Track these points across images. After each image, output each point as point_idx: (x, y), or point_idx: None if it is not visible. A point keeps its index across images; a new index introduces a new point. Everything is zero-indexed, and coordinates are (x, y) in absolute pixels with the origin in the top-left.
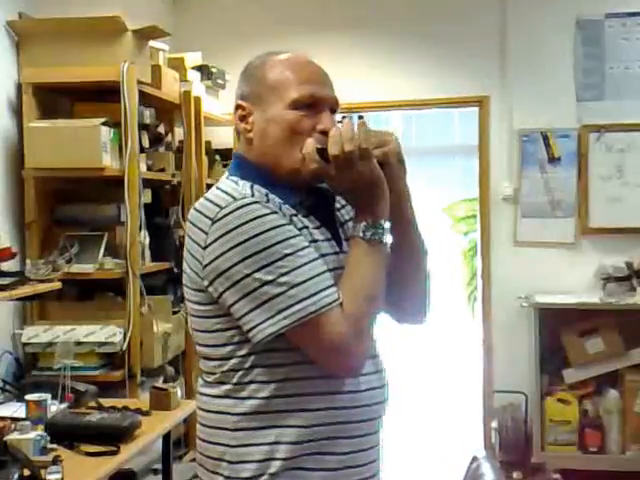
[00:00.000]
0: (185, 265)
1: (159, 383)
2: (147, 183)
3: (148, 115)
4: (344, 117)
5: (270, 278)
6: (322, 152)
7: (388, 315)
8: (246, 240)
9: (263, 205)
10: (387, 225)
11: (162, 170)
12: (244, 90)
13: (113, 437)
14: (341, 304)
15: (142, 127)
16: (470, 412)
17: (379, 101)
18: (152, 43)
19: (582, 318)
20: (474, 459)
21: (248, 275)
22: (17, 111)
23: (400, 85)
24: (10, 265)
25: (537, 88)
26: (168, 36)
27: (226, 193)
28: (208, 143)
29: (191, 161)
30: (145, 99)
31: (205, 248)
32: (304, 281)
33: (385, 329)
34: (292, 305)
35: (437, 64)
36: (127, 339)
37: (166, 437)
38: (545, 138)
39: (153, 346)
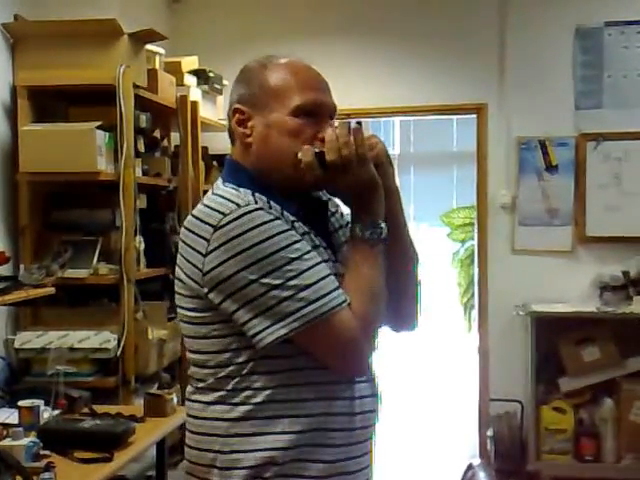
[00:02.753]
0: (179, 272)
1: (154, 389)
2: (143, 188)
3: (144, 119)
4: (348, 123)
5: (278, 282)
6: (320, 157)
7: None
8: (250, 247)
9: (266, 211)
10: (384, 224)
11: (158, 175)
12: (242, 94)
13: (106, 443)
14: (349, 305)
15: (138, 131)
16: (466, 420)
17: (377, 107)
18: (149, 47)
19: (578, 327)
20: (470, 467)
21: (254, 281)
22: (11, 114)
23: (398, 92)
24: (3, 270)
25: (535, 96)
26: (165, 39)
27: (228, 200)
28: (205, 148)
29: (187, 166)
30: (141, 103)
31: (206, 255)
32: (313, 283)
33: (381, 338)
34: (302, 307)
35: (436, 71)
36: (121, 345)
37: (160, 444)
38: (543, 146)
39: (148, 352)
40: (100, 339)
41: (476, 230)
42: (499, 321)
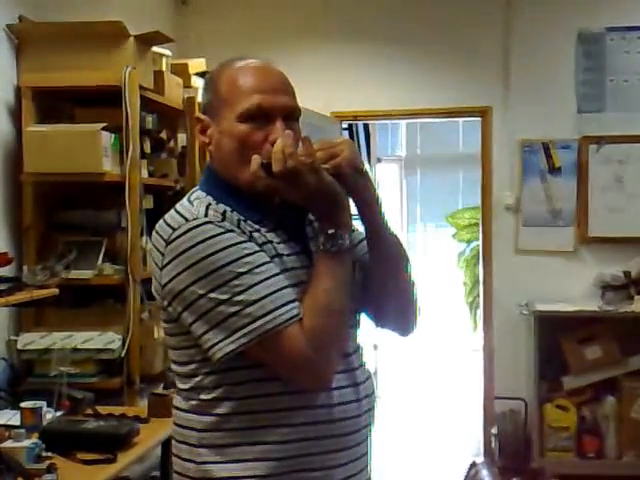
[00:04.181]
0: (152, 284)
1: (159, 390)
2: (149, 189)
3: (150, 121)
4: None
5: (225, 297)
6: (268, 167)
7: (381, 327)
8: (198, 261)
9: (216, 225)
10: (349, 234)
11: (164, 176)
12: (204, 102)
13: (110, 445)
14: (302, 319)
15: (144, 133)
16: (471, 418)
17: (384, 110)
18: (155, 49)
19: (581, 326)
20: (473, 465)
21: (202, 296)
22: (16, 115)
23: (404, 95)
24: (7, 271)
25: (539, 100)
26: (171, 42)
27: (179, 214)
28: None
29: (194, 167)
30: (148, 105)
31: (162, 269)
32: (260, 299)
33: (386, 336)
34: (249, 323)
35: (442, 75)
36: (126, 345)
37: (165, 444)
38: (546, 149)
39: (154, 352)
40: (104, 340)
41: (481, 231)
42: (503, 320)
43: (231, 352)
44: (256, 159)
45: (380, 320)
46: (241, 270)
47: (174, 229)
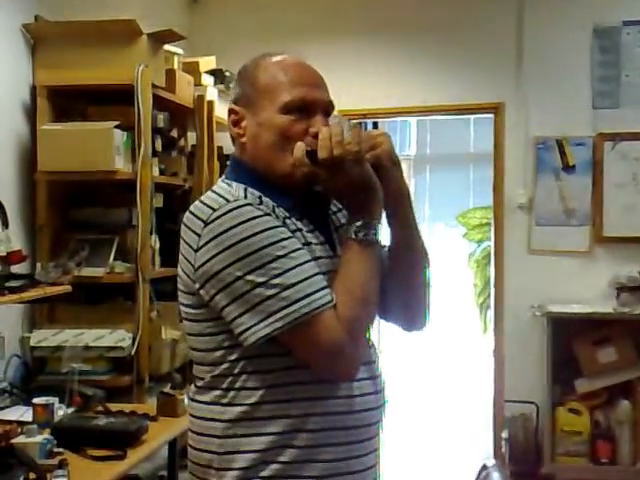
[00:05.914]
0: (179, 268)
1: (167, 389)
2: (159, 187)
3: (162, 119)
4: (347, 122)
5: (262, 280)
6: (312, 155)
7: (385, 319)
8: (238, 242)
9: (255, 207)
10: (380, 226)
11: (174, 174)
12: (237, 94)
13: (120, 441)
14: (335, 306)
15: (155, 131)
16: (481, 421)
17: (394, 107)
18: (167, 47)
19: (595, 327)
20: (484, 468)
21: (240, 277)
22: (31, 114)
23: (415, 91)
24: (20, 268)
25: (553, 95)
26: (183, 39)
27: (219, 195)
28: (220, 148)
29: (203, 166)
30: (159, 103)
31: (197, 250)
32: (297, 282)
33: (396, 337)
34: (285, 307)
35: (453, 71)
36: (136, 344)
37: (172, 444)
38: (560, 146)
39: (161, 352)
40: (115, 338)
41: (492, 230)
42: (515, 322)
43: (265, 336)
44: (301, 146)
45: (384, 311)
46: (278, 253)
47: (214, 209)
